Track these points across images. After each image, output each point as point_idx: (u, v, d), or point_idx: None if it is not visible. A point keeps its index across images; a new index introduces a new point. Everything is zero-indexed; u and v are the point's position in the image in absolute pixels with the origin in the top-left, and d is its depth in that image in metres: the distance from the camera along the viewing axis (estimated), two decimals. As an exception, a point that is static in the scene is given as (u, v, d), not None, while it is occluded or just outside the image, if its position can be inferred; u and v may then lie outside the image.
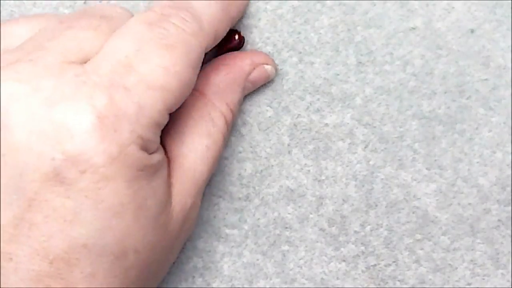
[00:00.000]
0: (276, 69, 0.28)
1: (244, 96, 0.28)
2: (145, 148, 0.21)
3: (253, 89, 0.28)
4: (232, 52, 0.27)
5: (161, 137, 0.23)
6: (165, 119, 0.22)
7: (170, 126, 0.24)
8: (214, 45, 0.25)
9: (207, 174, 0.25)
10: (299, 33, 0.29)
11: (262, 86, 0.29)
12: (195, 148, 0.24)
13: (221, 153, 0.26)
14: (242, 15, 0.28)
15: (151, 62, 0.21)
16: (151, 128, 0.21)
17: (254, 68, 0.27)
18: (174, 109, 0.22)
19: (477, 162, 0.29)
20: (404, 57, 0.29)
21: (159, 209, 0.22)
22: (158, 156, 0.22)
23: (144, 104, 0.21)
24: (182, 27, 0.22)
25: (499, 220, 0.28)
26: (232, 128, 0.29)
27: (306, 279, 0.28)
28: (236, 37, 0.27)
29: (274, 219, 0.28)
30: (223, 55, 0.27)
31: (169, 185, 0.23)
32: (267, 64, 0.27)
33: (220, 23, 0.24)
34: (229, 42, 0.27)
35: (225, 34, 0.25)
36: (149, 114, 0.21)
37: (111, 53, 0.21)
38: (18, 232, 0.19)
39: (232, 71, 0.26)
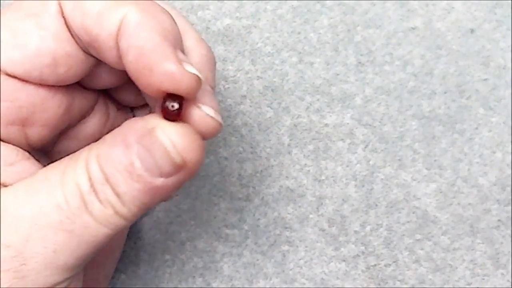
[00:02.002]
0: (181, 150, 0.19)
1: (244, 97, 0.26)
2: None
3: (160, 176, 0.19)
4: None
5: None
6: None
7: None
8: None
9: None
10: (299, 33, 0.29)
11: (262, 86, 0.29)
12: (29, 186, 0.20)
13: (84, 245, 0.19)
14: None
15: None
16: None
17: (148, 131, 0.19)
18: (5, 68, 0.19)
19: (477, 162, 0.29)
20: (404, 57, 0.29)
21: None
22: None
23: None
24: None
25: (499, 220, 0.28)
26: (232, 129, 0.29)
27: (306, 279, 0.28)
28: (173, 105, 0.19)
29: (274, 219, 0.28)
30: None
31: None
32: (163, 131, 0.19)
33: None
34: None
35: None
36: None
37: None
38: None
39: (123, 126, 0.20)
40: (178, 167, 0.19)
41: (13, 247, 0.19)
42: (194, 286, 0.28)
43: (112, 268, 0.27)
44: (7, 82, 0.19)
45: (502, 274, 0.28)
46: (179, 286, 0.28)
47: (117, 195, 0.19)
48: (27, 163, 0.21)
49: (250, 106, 0.29)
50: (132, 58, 0.19)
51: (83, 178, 0.19)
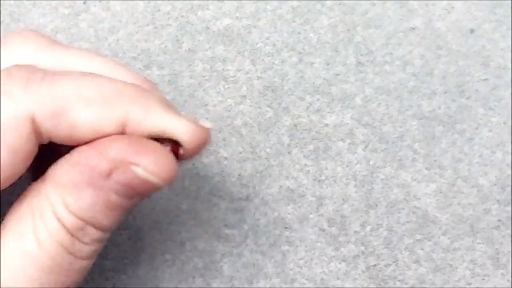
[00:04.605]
0: (163, 177, 0.19)
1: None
2: None
3: (137, 197, 0.20)
4: (97, 141, 0.20)
5: None
6: None
7: (10, 212, 0.20)
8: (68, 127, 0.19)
9: None
10: (299, 33, 0.29)
11: (262, 86, 0.29)
12: (13, 262, 0.19)
13: (71, 278, 0.20)
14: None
15: None
16: None
17: (115, 168, 0.19)
18: None
19: (477, 162, 0.29)
20: (404, 57, 0.29)
21: None
22: None
23: None
24: None
25: (499, 220, 0.28)
26: (232, 129, 0.29)
27: (306, 279, 0.28)
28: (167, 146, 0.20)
29: (274, 219, 0.28)
30: (87, 144, 0.20)
31: None
32: (136, 165, 0.19)
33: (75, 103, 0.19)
34: None
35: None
36: None
37: None
38: None
39: (83, 165, 0.19)
40: (157, 188, 0.19)
41: None
42: (194, 286, 0.28)
43: None
44: None
45: (502, 274, 0.28)
46: (179, 286, 0.28)
47: (101, 229, 0.19)
48: None
49: (250, 106, 0.29)
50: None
51: (60, 233, 0.19)
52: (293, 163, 0.29)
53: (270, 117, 0.29)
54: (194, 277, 0.28)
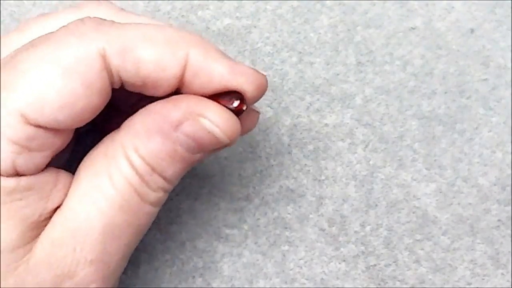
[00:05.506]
0: (227, 133, 0.20)
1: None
2: None
3: (200, 152, 0.21)
4: (173, 96, 0.21)
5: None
6: (32, 134, 0.19)
7: (86, 157, 0.21)
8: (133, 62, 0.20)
9: (100, 235, 0.20)
10: (299, 33, 0.29)
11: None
12: (85, 197, 0.20)
13: (137, 220, 0.21)
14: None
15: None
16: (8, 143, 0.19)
17: (186, 119, 0.20)
18: (46, 124, 0.19)
19: (477, 162, 0.29)
20: (404, 57, 0.29)
21: (5, 247, 0.19)
22: (17, 182, 0.19)
23: None
24: (70, 28, 0.20)
25: (499, 220, 0.28)
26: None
27: (306, 279, 0.28)
28: (234, 103, 0.21)
29: (274, 219, 0.28)
30: (164, 99, 0.21)
31: (35, 224, 0.20)
32: (204, 117, 0.20)
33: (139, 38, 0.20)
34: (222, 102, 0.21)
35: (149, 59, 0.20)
36: None
37: None
38: None
39: (156, 113, 0.20)
40: (220, 145, 0.21)
41: (94, 260, 0.20)
42: (194, 286, 0.28)
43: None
44: (44, 134, 0.20)
45: (502, 274, 0.28)
46: (179, 286, 0.28)
47: (165, 178, 0.21)
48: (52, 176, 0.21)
49: (250, 106, 0.29)
50: (217, 83, 0.21)
51: (131, 174, 0.20)
52: (293, 163, 0.29)
53: (270, 117, 0.29)
54: (194, 277, 0.28)
